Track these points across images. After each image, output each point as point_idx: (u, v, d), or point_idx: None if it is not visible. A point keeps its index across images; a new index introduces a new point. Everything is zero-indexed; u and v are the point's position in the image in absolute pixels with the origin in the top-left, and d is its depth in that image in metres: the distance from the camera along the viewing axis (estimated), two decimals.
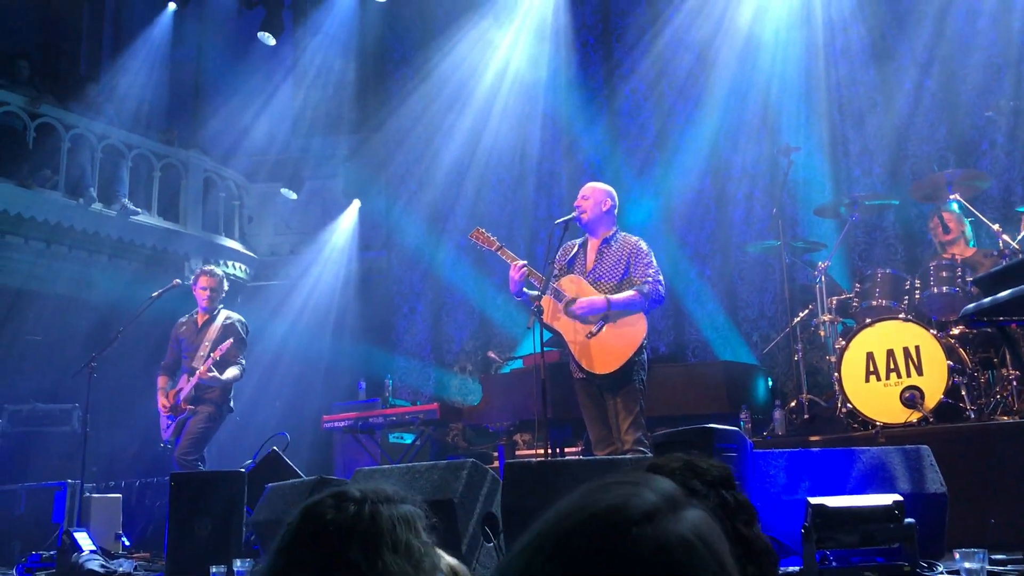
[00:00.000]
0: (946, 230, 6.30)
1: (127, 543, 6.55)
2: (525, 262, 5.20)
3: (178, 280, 7.20)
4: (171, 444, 6.65)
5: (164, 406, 6.56)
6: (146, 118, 10.46)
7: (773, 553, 1.68)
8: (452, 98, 10.29)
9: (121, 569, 4.85)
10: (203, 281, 6.75)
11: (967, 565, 2.85)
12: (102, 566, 4.82)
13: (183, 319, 6.89)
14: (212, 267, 7.26)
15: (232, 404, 6.74)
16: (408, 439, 8.30)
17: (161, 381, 6.72)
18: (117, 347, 6.78)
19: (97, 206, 9.38)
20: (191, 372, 6.51)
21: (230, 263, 10.69)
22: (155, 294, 6.85)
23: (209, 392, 6.52)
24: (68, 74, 10.85)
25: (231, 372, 6.51)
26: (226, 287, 6.92)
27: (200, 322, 6.76)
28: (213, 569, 4.26)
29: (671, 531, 0.74)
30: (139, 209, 9.80)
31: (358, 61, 11.18)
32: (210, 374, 6.28)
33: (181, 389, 6.52)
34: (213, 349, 6.44)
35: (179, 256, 10.24)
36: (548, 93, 9.95)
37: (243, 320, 6.85)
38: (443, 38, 10.26)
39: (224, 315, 6.76)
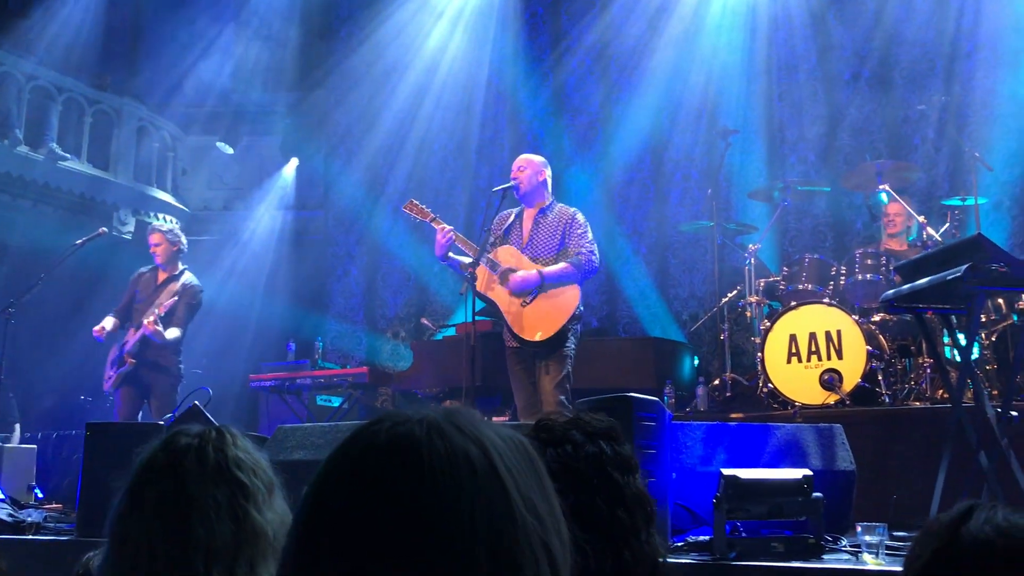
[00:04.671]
0: (893, 225, 6.44)
1: (40, 495, 6.39)
2: (452, 228, 5.22)
3: (104, 229, 7.05)
4: (111, 394, 6.58)
5: (99, 331, 6.44)
6: (78, 60, 10.08)
7: (649, 502, 1.75)
8: (396, 59, 10.14)
9: (30, 519, 4.72)
10: (151, 239, 6.66)
11: (867, 539, 2.95)
12: (10, 515, 4.70)
13: (144, 270, 6.73)
14: (160, 223, 7.27)
15: (182, 368, 6.66)
16: (336, 402, 8.26)
17: (108, 321, 6.53)
18: (37, 295, 6.59)
19: (23, 148, 9.05)
20: (138, 326, 6.39)
21: (160, 215, 10.43)
22: (79, 242, 6.69)
23: (162, 355, 6.45)
24: None
25: (172, 332, 6.38)
26: (183, 242, 6.74)
27: (160, 279, 6.62)
28: None
29: (400, 430, 0.85)
30: (67, 155, 9.49)
31: (303, 15, 10.93)
32: (155, 327, 6.20)
33: (127, 342, 6.43)
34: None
35: (107, 205, 9.95)
36: (494, 61, 9.86)
37: (200, 287, 6.70)
38: None
39: (186, 277, 6.62)
